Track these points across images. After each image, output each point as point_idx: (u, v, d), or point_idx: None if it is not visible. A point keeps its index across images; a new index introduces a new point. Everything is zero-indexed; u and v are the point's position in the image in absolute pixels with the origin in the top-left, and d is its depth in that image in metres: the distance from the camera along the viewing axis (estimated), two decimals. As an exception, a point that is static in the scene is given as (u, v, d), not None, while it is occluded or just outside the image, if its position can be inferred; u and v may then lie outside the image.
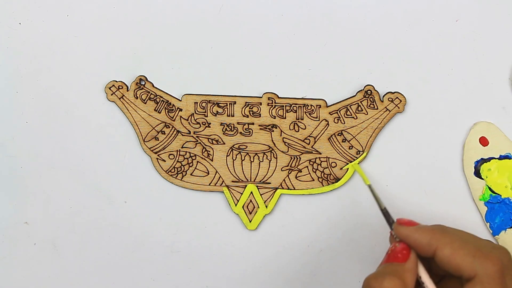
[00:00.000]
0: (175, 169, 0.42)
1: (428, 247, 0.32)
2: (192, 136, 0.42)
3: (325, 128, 0.41)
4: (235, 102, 0.42)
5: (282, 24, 0.42)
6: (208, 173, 0.42)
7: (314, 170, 0.41)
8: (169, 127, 0.42)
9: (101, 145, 0.42)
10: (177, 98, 0.42)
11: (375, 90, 0.41)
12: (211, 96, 0.42)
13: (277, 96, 0.42)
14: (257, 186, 0.41)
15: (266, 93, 0.42)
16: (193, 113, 0.42)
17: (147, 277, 0.42)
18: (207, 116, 0.42)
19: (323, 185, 0.41)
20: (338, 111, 0.41)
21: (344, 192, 0.41)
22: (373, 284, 0.31)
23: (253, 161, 0.41)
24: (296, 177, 0.41)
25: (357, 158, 0.41)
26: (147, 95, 0.42)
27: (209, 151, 0.42)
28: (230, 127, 0.42)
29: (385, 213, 0.36)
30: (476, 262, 0.31)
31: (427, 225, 0.34)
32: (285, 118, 0.42)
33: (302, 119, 0.42)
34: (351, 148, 0.41)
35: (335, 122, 0.41)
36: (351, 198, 0.41)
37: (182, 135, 0.42)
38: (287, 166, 0.41)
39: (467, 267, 0.31)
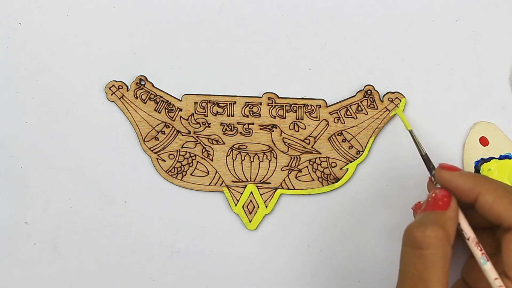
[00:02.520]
0: (175, 169, 0.42)
1: (470, 192, 0.32)
2: (192, 136, 0.42)
3: (325, 128, 0.41)
4: (235, 102, 0.42)
5: (282, 24, 0.42)
6: (208, 173, 0.42)
7: (314, 170, 0.41)
8: (169, 127, 0.42)
9: (101, 145, 0.42)
10: (177, 98, 0.42)
11: (375, 90, 0.41)
12: (211, 96, 0.42)
13: (277, 96, 0.42)
14: (257, 186, 0.41)
15: (266, 93, 0.42)
16: (193, 113, 0.42)
17: (147, 277, 0.42)
18: (207, 116, 0.42)
19: (323, 185, 0.41)
20: (338, 111, 0.41)
21: (344, 192, 0.41)
22: (416, 233, 0.31)
23: (253, 161, 0.41)
24: (296, 177, 0.41)
25: (357, 158, 0.41)
26: (147, 95, 0.42)
27: (209, 151, 0.42)
28: (230, 127, 0.42)
29: (426, 158, 0.36)
30: None
31: (470, 172, 0.33)
32: (285, 118, 0.42)
33: (302, 119, 0.42)
34: (351, 148, 0.41)
35: (335, 122, 0.41)
36: (351, 198, 0.41)
37: (182, 135, 0.42)
38: (287, 166, 0.41)
39: (509, 215, 0.31)
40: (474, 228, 0.34)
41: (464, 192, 0.32)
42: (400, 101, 0.41)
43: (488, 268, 0.31)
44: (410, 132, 0.38)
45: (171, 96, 0.42)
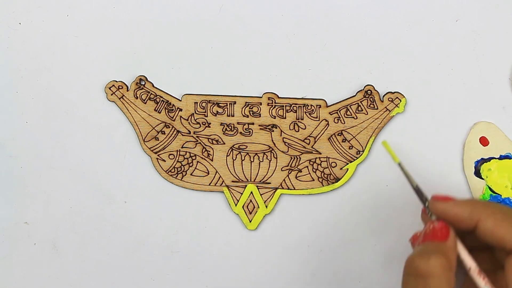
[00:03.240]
0: (175, 169, 0.42)
1: (469, 220, 0.31)
2: (192, 136, 0.42)
3: (325, 128, 0.41)
4: (235, 102, 0.42)
5: (282, 24, 0.42)
6: (208, 173, 0.42)
7: (314, 170, 0.41)
8: (169, 127, 0.42)
9: (101, 145, 0.42)
10: (177, 98, 0.42)
11: (375, 90, 0.41)
12: (211, 96, 0.42)
13: (277, 96, 0.42)
14: (257, 186, 0.41)
15: (266, 93, 0.42)
16: (193, 113, 0.42)
17: (147, 277, 0.42)
18: (207, 116, 0.42)
19: (323, 185, 0.41)
20: (338, 111, 0.41)
21: (344, 192, 0.41)
22: (419, 263, 0.30)
23: (253, 161, 0.41)
24: (296, 177, 0.41)
25: (357, 158, 0.41)
26: (147, 95, 0.42)
27: (209, 151, 0.42)
28: (230, 127, 0.42)
29: (418, 190, 0.35)
30: None
31: (464, 199, 0.33)
32: (285, 118, 0.42)
33: (302, 119, 0.42)
34: (351, 148, 0.41)
35: (335, 122, 0.41)
36: (351, 198, 0.41)
37: (182, 135, 0.42)
38: (287, 166, 0.41)
39: (511, 238, 0.30)
40: (472, 248, 0.33)
41: (463, 220, 0.32)
42: (400, 101, 0.41)
43: None
44: (399, 164, 0.36)
45: (171, 96, 0.42)
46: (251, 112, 0.42)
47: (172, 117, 0.42)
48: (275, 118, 0.42)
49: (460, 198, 0.33)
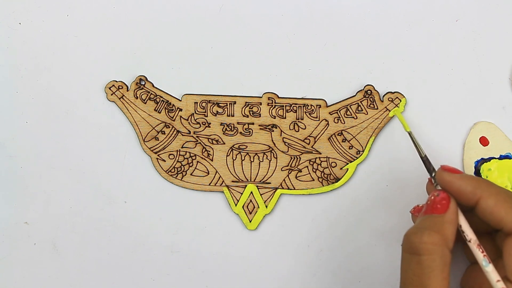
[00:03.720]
0: (175, 169, 0.42)
1: (471, 195, 0.32)
2: (192, 136, 0.42)
3: (325, 128, 0.41)
4: (235, 102, 0.42)
5: (282, 24, 0.42)
6: (208, 173, 0.42)
7: (314, 170, 0.41)
8: (169, 127, 0.42)
9: (101, 145, 0.42)
10: (177, 98, 0.42)
11: (375, 90, 0.41)
12: (211, 96, 0.42)
13: (277, 96, 0.42)
14: (257, 186, 0.41)
15: (266, 93, 0.42)
16: (193, 113, 0.42)
17: (147, 277, 0.42)
18: (207, 116, 0.42)
19: (323, 185, 0.41)
20: (338, 111, 0.41)
21: (344, 192, 0.41)
22: (413, 239, 0.31)
23: (253, 161, 0.41)
24: (296, 177, 0.41)
25: (357, 158, 0.41)
26: (147, 95, 0.42)
27: (209, 151, 0.42)
28: (230, 127, 0.42)
29: (426, 160, 0.36)
30: None
31: (471, 175, 0.33)
32: (285, 118, 0.42)
33: (302, 119, 0.42)
34: (351, 148, 0.41)
35: (335, 122, 0.41)
36: (351, 198, 0.41)
37: (182, 135, 0.42)
38: (287, 166, 0.41)
39: (510, 220, 0.30)
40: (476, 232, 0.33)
41: (465, 194, 0.32)
42: (400, 101, 0.41)
43: (490, 270, 0.31)
44: (409, 133, 0.38)
45: (171, 96, 0.42)
46: (251, 112, 0.42)
47: (172, 117, 0.42)
48: (275, 118, 0.42)
49: (468, 174, 0.33)
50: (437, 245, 0.30)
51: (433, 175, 0.35)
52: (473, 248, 0.32)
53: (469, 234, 0.32)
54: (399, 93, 0.41)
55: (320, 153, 0.41)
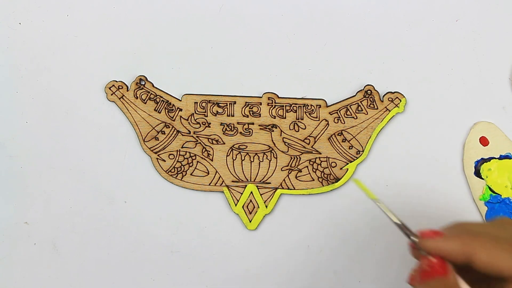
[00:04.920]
0: (175, 169, 0.42)
1: (462, 256, 0.31)
2: (192, 136, 0.42)
3: (325, 128, 0.41)
4: (235, 102, 0.42)
5: (282, 24, 0.42)
6: (208, 173, 0.42)
7: (314, 170, 0.41)
8: (169, 127, 0.42)
9: (101, 145, 0.42)
10: (177, 98, 0.42)
11: (375, 90, 0.41)
12: (211, 96, 0.42)
13: (277, 96, 0.42)
14: (257, 186, 0.41)
15: (266, 93, 0.42)
16: (193, 113, 0.42)
17: (147, 277, 0.42)
18: (207, 116, 0.42)
19: (323, 185, 0.41)
20: (338, 111, 0.41)
21: (344, 192, 0.41)
22: None
23: (253, 161, 0.41)
24: (296, 177, 0.41)
25: (357, 158, 0.41)
26: (147, 95, 0.42)
27: (209, 151, 0.42)
28: (230, 127, 0.42)
29: (402, 227, 0.33)
30: None
31: (450, 231, 0.32)
32: (285, 118, 0.42)
33: (302, 119, 0.42)
34: (351, 148, 0.41)
35: (335, 122, 0.41)
36: (351, 198, 0.41)
37: (182, 135, 0.42)
38: (287, 166, 0.41)
39: (508, 266, 0.30)
40: (470, 280, 0.33)
41: (456, 257, 0.31)
42: (400, 101, 0.41)
43: None
44: (376, 202, 0.33)
45: (171, 96, 0.42)
46: (251, 112, 0.42)
47: (172, 117, 0.42)
48: (275, 118, 0.42)
49: (447, 226, 0.32)
50: None
51: (412, 239, 0.32)
52: None
53: None
54: (399, 93, 0.41)
55: (320, 153, 0.41)
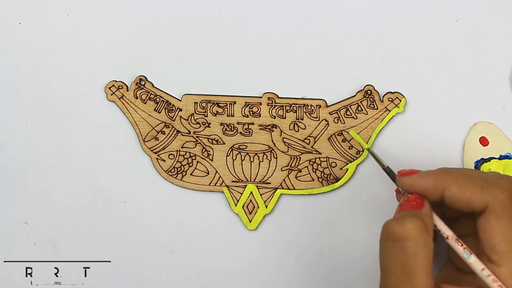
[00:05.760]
0: (175, 169, 0.42)
1: (435, 190, 0.32)
2: (192, 136, 0.42)
3: (325, 128, 0.41)
4: (235, 102, 0.42)
5: (282, 24, 0.42)
6: (208, 173, 0.42)
7: (314, 170, 0.41)
8: (169, 127, 0.42)
9: (101, 145, 0.42)
10: (177, 98, 0.42)
11: (375, 90, 0.41)
12: (211, 96, 0.42)
13: (277, 96, 0.42)
14: (257, 186, 0.41)
15: (266, 93, 0.42)
16: (193, 113, 0.42)
17: (147, 277, 0.42)
18: (207, 116, 0.42)
19: (323, 185, 0.41)
20: (338, 111, 0.41)
21: (344, 192, 0.41)
22: (395, 227, 0.30)
23: (253, 161, 0.41)
24: (296, 177, 0.41)
25: (357, 158, 0.41)
26: (147, 95, 0.42)
27: (209, 151, 0.42)
28: (230, 127, 0.42)
29: (389, 171, 0.36)
30: (485, 193, 0.30)
31: (429, 170, 0.33)
32: (285, 118, 0.42)
33: (302, 119, 0.42)
34: (351, 148, 0.41)
35: (335, 122, 0.41)
36: (351, 198, 0.41)
37: (182, 135, 0.42)
38: (287, 166, 0.41)
39: (477, 199, 0.31)
40: (453, 219, 0.34)
41: (429, 191, 0.32)
42: (400, 101, 0.41)
43: (473, 261, 0.31)
44: (368, 150, 0.39)
45: (171, 96, 0.42)
46: (251, 112, 0.42)
47: (172, 117, 0.42)
48: (275, 118, 0.42)
49: (427, 170, 0.33)
50: (421, 230, 0.30)
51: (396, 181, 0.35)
52: (452, 244, 0.32)
53: (446, 231, 0.32)
54: (399, 93, 0.41)
55: (320, 153, 0.41)
